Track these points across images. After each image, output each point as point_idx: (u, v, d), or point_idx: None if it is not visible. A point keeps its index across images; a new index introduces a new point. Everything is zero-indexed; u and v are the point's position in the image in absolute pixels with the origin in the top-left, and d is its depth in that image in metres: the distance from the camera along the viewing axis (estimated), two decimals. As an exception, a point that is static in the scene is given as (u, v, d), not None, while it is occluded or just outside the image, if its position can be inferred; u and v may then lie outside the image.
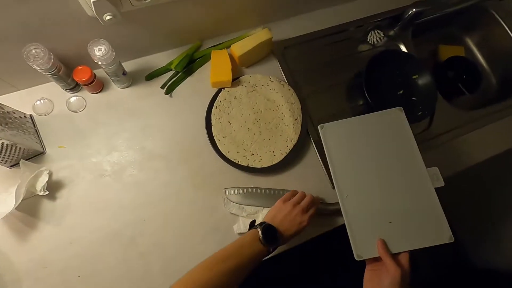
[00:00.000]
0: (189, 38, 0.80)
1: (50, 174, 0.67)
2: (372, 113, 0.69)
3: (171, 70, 0.78)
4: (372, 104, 0.79)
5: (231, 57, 0.78)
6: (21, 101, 0.71)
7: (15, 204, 0.59)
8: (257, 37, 0.76)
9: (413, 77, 0.87)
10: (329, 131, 0.68)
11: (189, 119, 0.76)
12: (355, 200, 0.62)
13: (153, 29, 0.72)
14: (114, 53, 0.65)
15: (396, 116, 0.68)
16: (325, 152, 0.66)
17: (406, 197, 0.62)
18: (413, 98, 0.87)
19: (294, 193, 0.68)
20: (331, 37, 0.88)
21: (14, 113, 0.66)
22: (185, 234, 0.69)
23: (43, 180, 0.64)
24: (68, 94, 0.74)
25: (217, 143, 0.74)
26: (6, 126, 0.60)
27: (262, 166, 0.74)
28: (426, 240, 0.59)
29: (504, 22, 0.99)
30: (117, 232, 0.67)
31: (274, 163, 0.74)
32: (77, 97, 0.74)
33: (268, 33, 0.77)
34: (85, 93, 0.75)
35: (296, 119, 0.77)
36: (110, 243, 0.66)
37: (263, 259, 0.58)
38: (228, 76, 0.75)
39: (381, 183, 0.63)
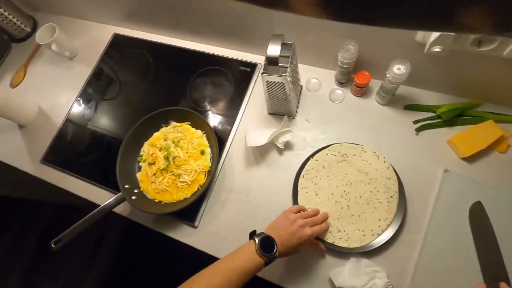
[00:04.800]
0: (469, 92, 0.75)
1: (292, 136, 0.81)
2: None
3: (433, 112, 0.76)
4: None
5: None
6: (302, 73, 0.88)
7: (265, 143, 0.76)
8: None
9: None
10: (451, 180, 0.69)
11: (422, 165, 0.73)
12: (435, 248, 0.65)
13: (447, 70, 0.72)
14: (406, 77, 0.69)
15: None
16: (434, 197, 0.68)
17: None
18: None
19: (301, 208, 0.69)
20: None
21: (299, 79, 0.83)
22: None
23: (286, 138, 0.78)
24: (334, 85, 0.85)
25: None
26: (293, 86, 0.76)
27: (349, 246, 0.68)
28: None
29: None
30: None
31: (363, 244, 0.67)
32: (341, 91, 0.84)
33: None
34: (347, 91, 0.84)
35: (391, 196, 0.69)
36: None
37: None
38: (468, 151, 0.70)
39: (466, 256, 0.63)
